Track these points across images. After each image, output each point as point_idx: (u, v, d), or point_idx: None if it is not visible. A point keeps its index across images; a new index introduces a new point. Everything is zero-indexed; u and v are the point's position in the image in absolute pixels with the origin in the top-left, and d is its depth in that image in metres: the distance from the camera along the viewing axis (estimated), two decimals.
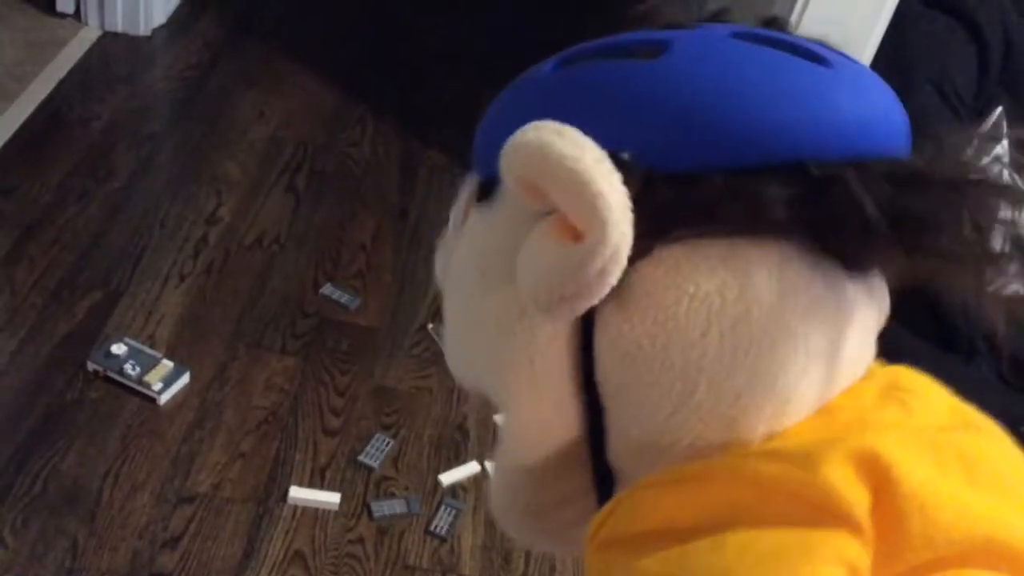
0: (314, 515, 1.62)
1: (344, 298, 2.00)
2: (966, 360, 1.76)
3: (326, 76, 2.66)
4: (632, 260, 0.45)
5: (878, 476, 0.42)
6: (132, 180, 2.20)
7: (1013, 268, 0.45)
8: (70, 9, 2.64)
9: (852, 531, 0.41)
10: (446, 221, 0.57)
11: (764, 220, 0.45)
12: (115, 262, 1.98)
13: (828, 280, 0.47)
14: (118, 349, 1.76)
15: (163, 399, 1.73)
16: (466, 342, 0.54)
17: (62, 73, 2.46)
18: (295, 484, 1.65)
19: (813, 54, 0.48)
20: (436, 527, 1.64)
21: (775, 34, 0.50)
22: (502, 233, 0.50)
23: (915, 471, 0.42)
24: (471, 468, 1.74)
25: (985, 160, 0.46)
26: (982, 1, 1.97)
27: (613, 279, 0.45)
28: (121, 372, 1.73)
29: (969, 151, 0.47)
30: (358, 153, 2.44)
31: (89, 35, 2.61)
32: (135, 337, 1.82)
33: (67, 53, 2.53)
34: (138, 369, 1.74)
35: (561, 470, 0.52)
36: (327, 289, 2.02)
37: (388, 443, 1.75)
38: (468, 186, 0.55)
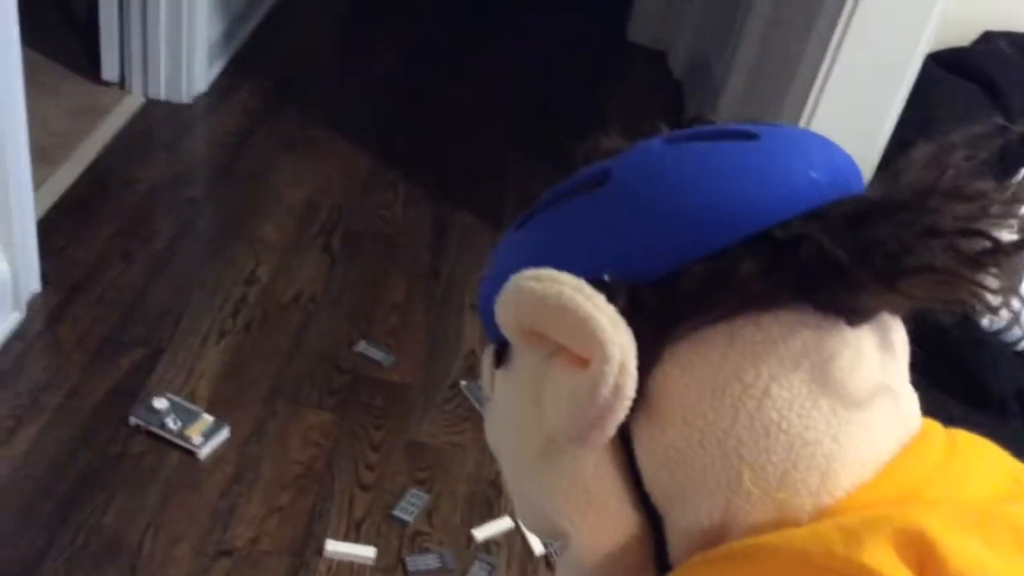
0: (350, 569, 1.64)
1: (378, 355, 2.04)
2: (998, 418, 1.77)
3: (360, 142, 2.74)
4: (645, 369, 0.47)
5: (924, 555, 0.42)
6: (173, 242, 2.26)
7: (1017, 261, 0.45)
8: (115, 78, 2.74)
9: None
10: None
11: (747, 295, 0.47)
12: (157, 320, 2.04)
13: (834, 336, 0.47)
14: (160, 404, 1.80)
15: (203, 453, 1.76)
16: (527, 496, 0.56)
17: (106, 139, 2.55)
18: (331, 538, 1.67)
19: (741, 133, 0.51)
20: None
21: (701, 128, 0.54)
22: (525, 386, 0.53)
23: (962, 549, 0.42)
24: (504, 524, 1.75)
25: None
26: (1002, 66, 2.02)
27: (629, 392, 0.47)
28: (163, 426, 1.77)
29: (936, 161, 0.48)
30: (390, 215, 2.50)
31: (133, 102, 2.71)
32: (176, 392, 1.86)
33: (111, 120, 2.63)
34: (179, 423, 1.77)
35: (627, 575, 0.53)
36: (361, 346, 2.06)
37: (422, 498, 1.77)
38: (487, 356, 0.58)
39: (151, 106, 2.72)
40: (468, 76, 3.18)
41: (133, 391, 1.86)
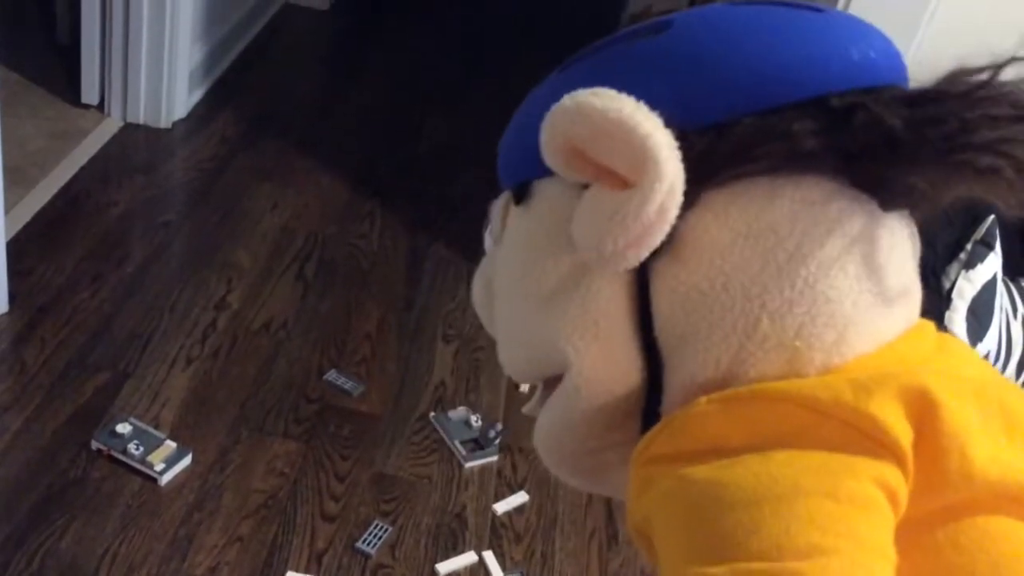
0: None
1: (348, 385, 2.03)
2: None
3: (338, 172, 2.74)
4: (680, 211, 0.48)
5: (924, 413, 0.43)
6: (145, 265, 2.25)
7: None
8: (94, 101, 2.73)
9: (895, 462, 0.43)
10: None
11: (797, 153, 0.48)
12: (124, 344, 2.02)
13: (867, 213, 0.49)
14: (123, 429, 1.78)
15: (164, 480, 1.74)
16: (524, 331, 0.56)
17: (83, 161, 2.54)
18: (292, 570, 1.65)
19: (808, 7, 0.53)
20: None
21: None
22: (548, 215, 0.54)
23: (959, 412, 0.44)
24: (469, 558, 1.73)
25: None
26: None
27: (672, 215, 0.47)
28: (124, 452, 1.75)
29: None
30: (366, 245, 2.49)
31: (111, 126, 2.70)
32: (140, 418, 1.84)
33: (89, 142, 2.62)
34: (141, 449, 1.75)
35: (614, 420, 0.53)
36: (331, 375, 2.05)
37: (386, 530, 1.75)
38: (502, 200, 0.58)
39: (129, 130, 2.71)
40: (452, 109, 3.20)
41: (96, 415, 1.84)
